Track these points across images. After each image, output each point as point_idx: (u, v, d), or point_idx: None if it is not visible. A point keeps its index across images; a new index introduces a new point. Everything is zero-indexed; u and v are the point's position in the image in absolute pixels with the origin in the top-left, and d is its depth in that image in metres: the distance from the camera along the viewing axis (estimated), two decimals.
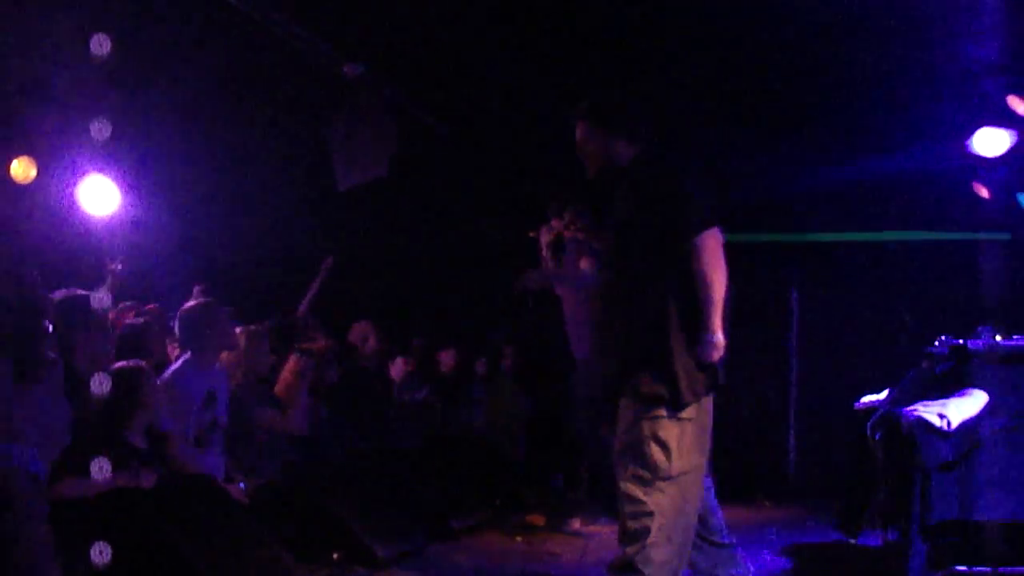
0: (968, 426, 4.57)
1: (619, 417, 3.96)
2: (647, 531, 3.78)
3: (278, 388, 5.80)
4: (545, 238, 6.39)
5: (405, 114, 7.29)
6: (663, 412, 3.86)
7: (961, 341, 4.88)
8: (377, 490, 5.84)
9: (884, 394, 5.49)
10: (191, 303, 5.20)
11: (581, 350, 6.48)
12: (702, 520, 4.16)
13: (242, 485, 4.96)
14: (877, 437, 4.95)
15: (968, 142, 7.14)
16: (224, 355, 5.36)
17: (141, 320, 5.44)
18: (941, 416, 4.54)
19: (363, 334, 7.03)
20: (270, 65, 6.16)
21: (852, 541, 5.83)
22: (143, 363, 4.54)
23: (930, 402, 4.70)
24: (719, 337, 3.86)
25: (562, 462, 7.94)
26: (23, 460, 1.57)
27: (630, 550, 3.79)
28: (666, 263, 3.87)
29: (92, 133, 4.47)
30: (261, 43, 5.85)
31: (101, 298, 4.47)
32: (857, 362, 8.18)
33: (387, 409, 7.06)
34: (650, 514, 3.80)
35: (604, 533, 6.58)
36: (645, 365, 3.89)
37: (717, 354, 3.88)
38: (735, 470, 8.82)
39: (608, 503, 6.40)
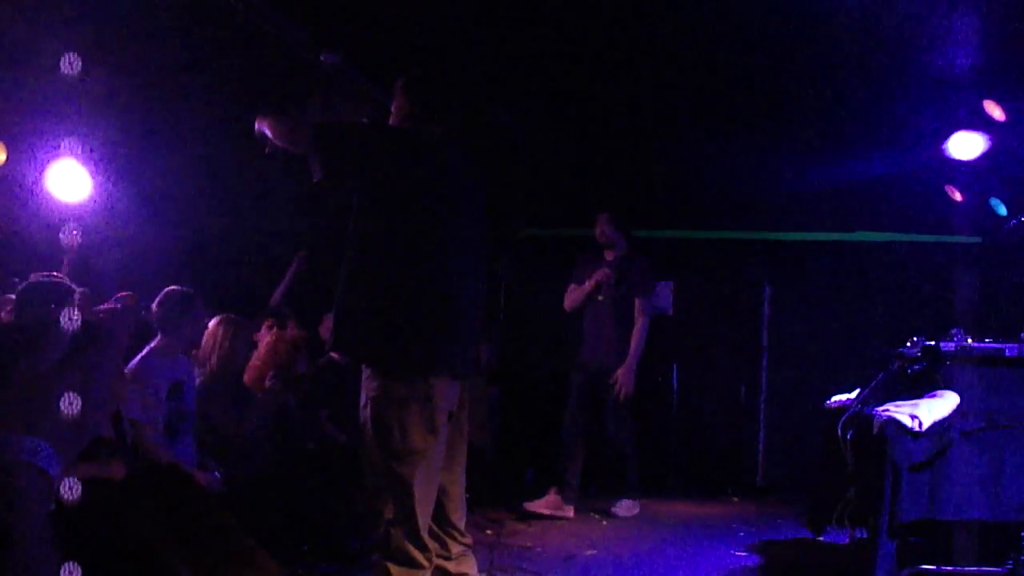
0: (939, 427, 4.60)
1: None
2: (389, 510, 3.83)
3: (248, 376, 5.76)
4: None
5: (381, 107, 7.24)
6: (377, 388, 3.86)
7: (933, 342, 4.91)
8: (347, 482, 5.80)
9: (855, 394, 5.52)
10: (175, 287, 5.17)
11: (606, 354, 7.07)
12: (444, 512, 4.14)
13: (217, 474, 4.93)
14: (848, 437, 4.97)
15: (943, 146, 7.17)
16: (209, 341, 5.36)
17: (111, 307, 5.39)
18: (912, 416, 4.57)
19: None
20: (246, 52, 6.10)
21: (818, 538, 5.88)
22: None
23: (902, 402, 4.74)
24: None
25: (534, 455, 8.05)
26: (33, 454, 1.50)
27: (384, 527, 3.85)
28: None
29: (62, 69, 4.38)
30: (237, 30, 5.78)
31: (72, 318, 4.38)
32: (828, 361, 8.23)
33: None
34: (384, 491, 3.85)
35: (574, 524, 6.61)
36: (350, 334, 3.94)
37: None
38: (705, 467, 8.90)
39: (628, 487, 7.07)
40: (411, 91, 4.16)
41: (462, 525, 4.25)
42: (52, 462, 3.18)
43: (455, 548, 4.19)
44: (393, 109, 4.19)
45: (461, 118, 4.21)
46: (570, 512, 6.89)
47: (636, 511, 7.08)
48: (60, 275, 4.46)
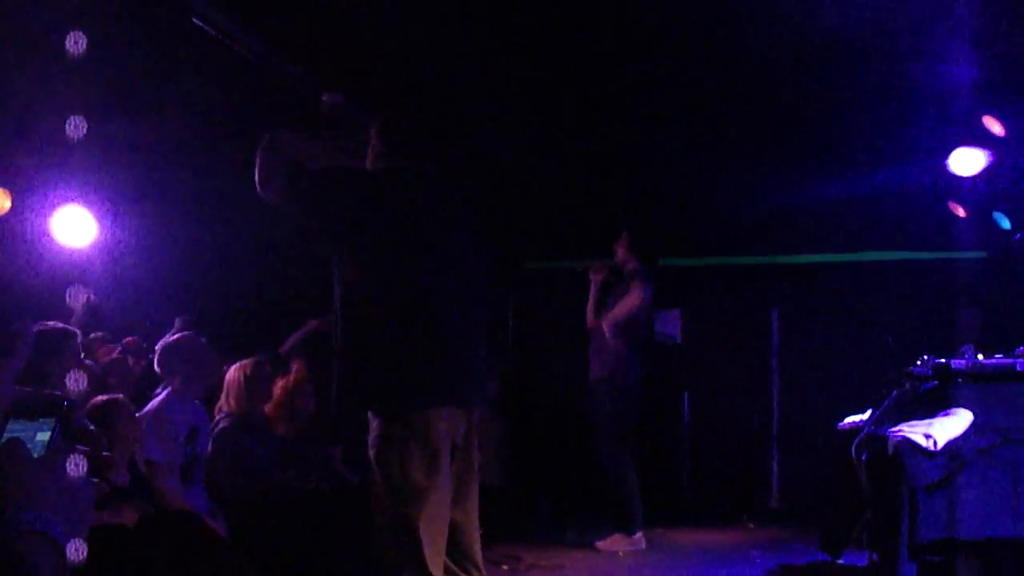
0: (954, 445, 4.57)
1: None
2: (397, 552, 3.74)
3: (268, 407, 5.77)
4: (597, 276, 7.01)
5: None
6: (378, 428, 3.80)
7: (944, 360, 4.88)
8: (361, 521, 5.76)
9: (867, 414, 5.49)
10: (173, 336, 5.16)
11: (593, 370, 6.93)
12: (459, 547, 4.03)
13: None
14: (862, 458, 4.93)
15: (944, 162, 7.18)
16: (232, 385, 5.35)
17: (105, 360, 5.43)
18: (927, 436, 4.54)
19: None
20: (249, 94, 6.14)
21: (837, 560, 5.82)
22: (120, 396, 4.49)
23: (915, 422, 4.70)
24: None
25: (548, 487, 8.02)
26: (45, 526, 1.46)
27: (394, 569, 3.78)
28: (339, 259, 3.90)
29: (67, 131, 4.41)
30: (240, 72, 5.82)
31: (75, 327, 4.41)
32: (839, 382, 8.18)
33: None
34: (391, 533, 3.77)
35: (591, 557, 6.56)
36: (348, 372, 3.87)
37: None
38: (719, 494, 8.85)
39: (619, 520, 6.81)
40: (384, 133, 4.13)
41: (479, 559, 4.20)
42: (60, 532, 3.14)
43: None
44: (368, 151, 4.15)
45: (440, 154, 4.18)
46: (641, 543, 6.81)
47: (641, 546, 6.80)
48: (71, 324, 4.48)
